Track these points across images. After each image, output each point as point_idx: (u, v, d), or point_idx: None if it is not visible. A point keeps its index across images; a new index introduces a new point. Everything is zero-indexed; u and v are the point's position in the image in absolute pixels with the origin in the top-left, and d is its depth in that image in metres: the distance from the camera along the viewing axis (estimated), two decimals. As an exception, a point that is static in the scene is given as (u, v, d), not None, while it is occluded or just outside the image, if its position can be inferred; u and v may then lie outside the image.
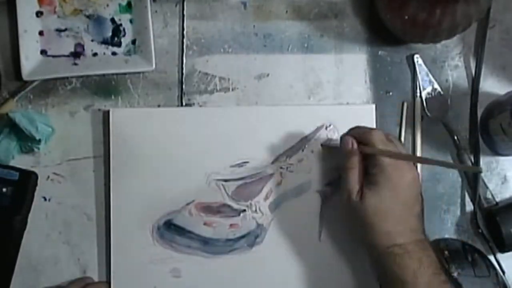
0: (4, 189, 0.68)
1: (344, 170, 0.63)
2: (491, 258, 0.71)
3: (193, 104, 0.73)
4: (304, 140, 0.71)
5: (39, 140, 0.69)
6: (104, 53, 0.73)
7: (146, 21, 0.71)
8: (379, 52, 0.74)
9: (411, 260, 0.59)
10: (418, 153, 0.72)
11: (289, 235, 0.71)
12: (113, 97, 0.73)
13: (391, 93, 0.74)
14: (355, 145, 0.63)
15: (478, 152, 0.72)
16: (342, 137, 0.65)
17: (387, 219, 0.60)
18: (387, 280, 0.61)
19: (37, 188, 0.71)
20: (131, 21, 0.73)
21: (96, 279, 0.71)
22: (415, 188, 0.62)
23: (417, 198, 0.62)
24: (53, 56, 0.72)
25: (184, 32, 0.74)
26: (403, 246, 0.59)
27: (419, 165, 0.72)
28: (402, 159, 0.61)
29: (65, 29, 0.72)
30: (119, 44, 0.73)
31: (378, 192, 0.60)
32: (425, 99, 0.73)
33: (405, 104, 0.73)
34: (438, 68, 0.74)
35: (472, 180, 0.71)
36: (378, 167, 0.60)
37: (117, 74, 0.73)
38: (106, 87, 0.73)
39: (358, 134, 0.64)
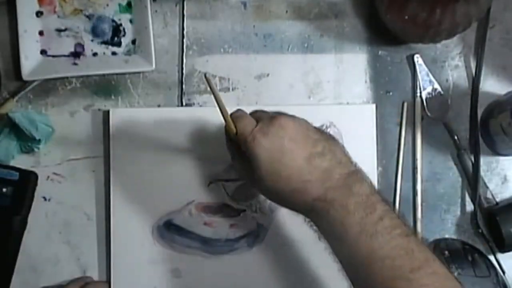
0: (4, 189, 0.68)
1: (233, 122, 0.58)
2: (491, 258, 0.71)
3: (193, 104, 0.73)
4: (304, 140, 0.71)
5: (39, 140, 0.69)
6: (104, 53, 0.73)
7: (146, 21, 0.71)
8: (379, 52, 0.74)
9: (334, 210, 0.53)
10: (418, 153, 0.72)
11: (289, 235, 0.71)
12: (113, 97, 0.73)
13: (391, 93, 0.74)
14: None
15: (478, 152, 0.71)
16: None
17: (289, 179, 0.54)
18: (323, 235, 0.55)
19: (37, 188, 0.71)
20: (131, 21, 0.73)
21: (96, 279, 0.71)
22: (293, 133, 0.55)
23: (305, 140, 0.55)
24: (53, 56, 0.72)
25: (184, 32, 0.74)
26: (322, 198, 0.53)
27: (419, 164, 0.72)
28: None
29: (65, 29, 0.72)
30: (119, 44, 0.73)
31: (269, 135, 0.55)
32: (425, 99, 0.73)
33: (405, 104, 0.73)
34: (438, 68, 0.74)
35: (472, 180, 0.71)
36: (241, 140, 0.56)
37: (117, 74, 0.73)
38: (106, 87, 0.73)
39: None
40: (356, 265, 0.53)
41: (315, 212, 0.55)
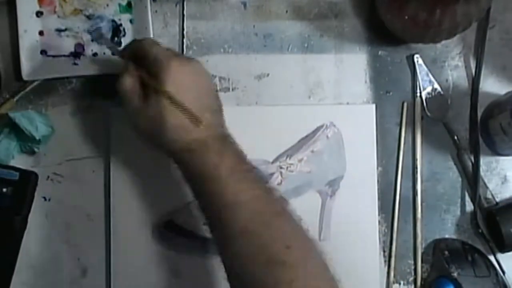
0: (4, 189, 0.68)
1: (120, 78, 0.61)
2: (491, 258, 0.71)
3: (193, 104, 0.73)
4: (304, 140, 0.72)
5: (39, 140, 0.69)
6: (104, 53, 0.73)
7: (146, 21, 0.71)
8: (379, 52, 0.74)
9: (210, 153, 0.58)
10: (418, 153, 0.72)
11: (289, 235, 0.71)
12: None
13: (391, 93, 0.74)
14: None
15: (478, 152, 0.71)
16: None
17: (179, 112, 0.58)
18: (189, 177, 0.60)
19: (37, 188, 0.71)
20: (131, 21, 0.73)
21: (96, 279, 0.71)
22: (201, 80, 0.61)
23: (207, 91, 0.61)
24: (53, 56, 0.72)
25: (184, 32, 0.74)
26: (202, 140, 0.58)
27: (419, 164, 0.72)
28: None
29: (65, 29, 0.72)
30: (119, 44, 0.73)
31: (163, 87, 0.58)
32: (425, 99, 0.73)
33: (405, 104, 0.73)
34: (438, 68, 0.74)
35: (472, 180, 0.71)
36: (155, 62, 0.58)
37: (117, 74, 0.72)
38: (106, 87, 0.73)
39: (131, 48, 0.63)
40: (221, 206, 0.56)
41: (191, 152, 0.58)
